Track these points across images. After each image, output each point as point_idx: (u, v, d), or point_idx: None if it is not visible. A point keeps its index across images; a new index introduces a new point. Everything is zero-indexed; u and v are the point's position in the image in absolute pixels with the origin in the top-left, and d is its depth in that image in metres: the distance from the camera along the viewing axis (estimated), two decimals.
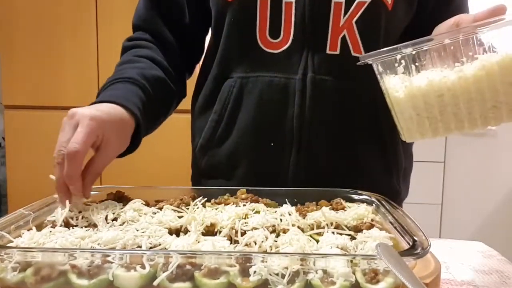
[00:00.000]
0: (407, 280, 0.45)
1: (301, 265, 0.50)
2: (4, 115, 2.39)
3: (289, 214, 0.69)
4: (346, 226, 0.66)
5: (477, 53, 0.64)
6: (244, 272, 0.50)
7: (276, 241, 0.58)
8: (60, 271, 0.52)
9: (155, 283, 0.50)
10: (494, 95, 0.64)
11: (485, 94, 0.64)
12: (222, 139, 0.93)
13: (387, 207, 0.70)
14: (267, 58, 0.88)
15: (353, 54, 0.86)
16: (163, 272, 0.50)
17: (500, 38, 0.64)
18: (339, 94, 0.88)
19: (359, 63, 0.70)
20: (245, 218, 0.66)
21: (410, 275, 0.46)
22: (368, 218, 0.67)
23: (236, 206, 0.71)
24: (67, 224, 0.66)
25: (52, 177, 0.70)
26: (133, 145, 0.83)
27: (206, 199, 0.76)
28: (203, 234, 0.62)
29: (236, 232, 0.62)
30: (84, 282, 0.51)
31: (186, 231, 0.63)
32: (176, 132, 1.75)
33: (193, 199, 0.75)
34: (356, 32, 0.86)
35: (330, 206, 0.74)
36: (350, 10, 0.85)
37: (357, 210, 0.69)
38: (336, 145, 0.89)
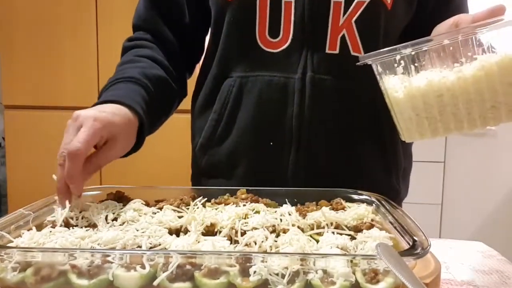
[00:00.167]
0: (407, 280, 0.45)
1: (301, 265, 0.50)
2: (4, 115, 2.39)
3: (289, 214, 0.69)
4: (346, 226, 0.66)
5: (476, 53, 0.64)
6: (244, 272, 0.50)
7: (276, 241, 0.58)
8: (60, 271, 0.52)
9: (155, 283, 0.50)
10: (493, 96, 0.64)
11: (484, 95, 0.64)
12: (222, 138, 0.93)
13: (387, 207, 0.70)
14: (267, 57, 0.88)
15: (352, 53, 0.86)
16: (163, 272, 0.50)
17: (499, 38, 0.64)
18: (338, 93, 0.88)
19: (358, 63, 0.70)
20: (245, 218, 0.66)
21: (410, 275, 0.46)
22: (368, 218, 0.67)
23: (236, 206, 0.71)
24: (67, 224, 0.66)
25: (55, 177, 0.70)
26: (137, 144, 0.83)
27: (206, 199, 0.76)
28: (203, 234, 0.62)
29: (236, 232, 0.62)
30: (84, 282, 0.51)
31: (186, 231, 0.63)
32: (176, 132, 1.75)
33: (193, 199, 0.75)
34: (356, 31, 0.86)
35: (330, 206, 0.74)
36: (350, 9, 0.85)
37: (357, 210, 0.69)
38: (335, 144, 0.89)
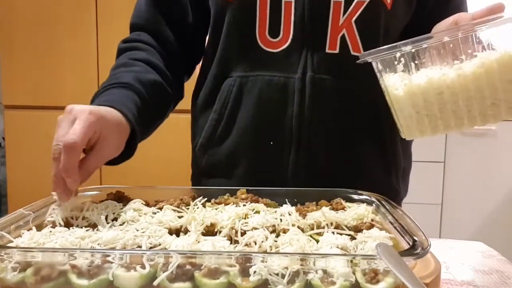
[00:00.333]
0: (407, 280, 0.45)
1: (301, 265, 0.50)
2: (4, 115, 2.39)
3: (289, 214, 0.69)
4: (346, 226, 0.65)
5: (476, 50, 0.64)
6: (244, 272, 0.50)
7: (276, 241, 0.58)
8: (60, 271, 0.51)
9: (155, 283, 0.50)
10: (493, 93, 0.64)
11: (484, 92, 0.64)
12: (222, 138, 0.93)
13: (387, 207, 0.70)
14: (267, 57, 0.88)
15: (352, 53, 0.86)
16: (163, 272, 0.50)
17: (498, 35, 0.64)
18: (338, 93, 0.88)
19: (358, 61, 0.70)
20: (245, 218, 0.66)
21: (410, 275, 0.46)
22: (368, 218, 0.67)
23: (236, 206, 0.71)
24: (67, 224, 0.66)
25: None
26: (129, 151, 0.82)
27: (206, 199, 0.76)
28: (203, 234, 0.62)
29: (236, 232, 0.62)
30: (84, 282, 0.51)
31: (186, 231, 0.63)
32: (176, 132, 1.75)
33: (193, 199, 0.75)
34: (356, 31, 0.86)
35: (330, 206, 0.74)
36: (350, 9, 0.85)
37: (357, 210, 0.69)
38: (335, 144, 0.89)
